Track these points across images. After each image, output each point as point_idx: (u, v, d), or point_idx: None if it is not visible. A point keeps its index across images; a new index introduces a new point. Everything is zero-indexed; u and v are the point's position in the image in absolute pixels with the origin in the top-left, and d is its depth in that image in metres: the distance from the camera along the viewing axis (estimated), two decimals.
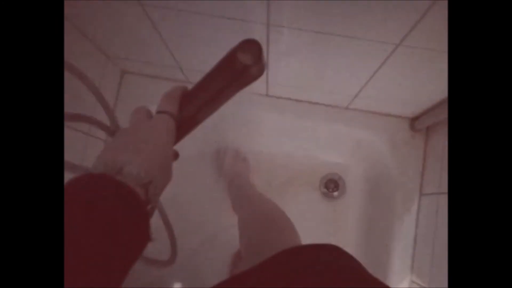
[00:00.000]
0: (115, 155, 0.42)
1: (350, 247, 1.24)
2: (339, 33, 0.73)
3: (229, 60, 0.50)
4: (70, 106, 0.87)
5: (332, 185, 1.30)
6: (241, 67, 0.49)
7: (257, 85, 1.08)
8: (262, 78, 1.02)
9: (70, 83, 0.85)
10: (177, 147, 0.53)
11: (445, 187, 0.98)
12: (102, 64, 1.06)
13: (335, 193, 1.30)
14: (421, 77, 0.85)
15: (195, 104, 0.51)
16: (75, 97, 0.90)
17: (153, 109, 1.19)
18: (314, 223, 1.29)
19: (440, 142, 1.06)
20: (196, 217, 1.31)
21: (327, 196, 1.30)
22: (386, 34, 0.70)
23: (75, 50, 0.91)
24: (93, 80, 0.76)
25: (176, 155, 0.51)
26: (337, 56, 0.82)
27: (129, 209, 0.37)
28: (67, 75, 0.70)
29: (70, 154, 0.97)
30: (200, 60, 1.01)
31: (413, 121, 1.13)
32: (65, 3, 0.78)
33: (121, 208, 0.37)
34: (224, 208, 1.28)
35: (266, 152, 1.32)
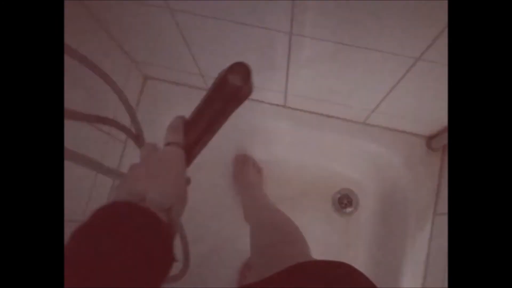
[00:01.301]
0: (137, 185, 0.46)
1: (360, 264, 1.24)
2: (359, 45, 0.74)
3: (221, 83, 0.54)
4: (91, 107, 0.90)
5: (345, 200, 1.29)
6: (232, 89, 0.54)
7: (275, 96, 1.10)
8: (281, 88, 1.04)
9: (91, 83, 0.88)
10: None
11: None
12: (126, 68, 1.09)
13: (348, 209, 1.29)
14: (440, 94, 0.86)
15: (197, 130, 0.55)
16: (97, 99, 0.93)
17: (174, 113, 1.21)
18: (324, 237, 1.29)
19: None
20: (205, 225, 1.31)
21: (339, 211, 1.30)
22: (407, 47, 0.71)
23: (100, 52, 0.94)
24: (117, 83, 0.79)
25: (188, 181, 0.55)
26: (356, 68, 0.84)
27: (155, 233, 0.41)
28: (90, 76, 0.73)
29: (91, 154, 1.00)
30: (221, 68, 1.03)
31: (430, 140, 1.12)
32: (93, 4, 0.82)
33: (147, 232, 0.40)
34: (234, 216, 1.28)
35: (280, 164, 1.32)
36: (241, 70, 0.54)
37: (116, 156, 1.11)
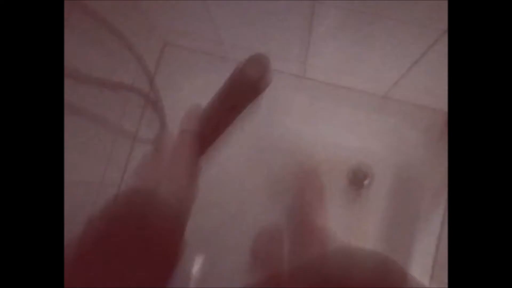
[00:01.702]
0: (151, 174, 0.49)
1: (370, 239, 1.24)
2: (384, 15, 0.72)
3: (239, 75, 0.55)
4: (110, 70, 0.90)
5: (360, 175, 1.28)
6: (249, 81, 0.54)
7: (294, 66, 1.08)
8: (301, 59, 1.02)
9: (111, 46, 0.88)
10: None
11: None
12: (146, 33, 1.08)
13: (363, 183, 1.28)
14: None
15: (213, 119, 0.56)
16: (116, 63, 0.93)
17: (193, 80, 1.19)
18: (336, 210, 1.29)
19: None
20: (218, 195, 1.32)
21: (353, 185, 1.29)
22: (434, 19, 0.69)
23: (120, 15, 0.93)
24: (136, 47, 0.78)
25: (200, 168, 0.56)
26: (380, 40, 0.81)
27: (169, 222, 0.44)
28: (110, 39, 0.73)
29: (109, 118, 1.01)
30: (241, 36, 1.01)
31: None
32: None
33: (162, 221, 0.43)
34: (247, 187, 1.29)
35: (295, 135, 1.31)
36: (260, 63, 0.55)
37: (135, 121, 1.12)
